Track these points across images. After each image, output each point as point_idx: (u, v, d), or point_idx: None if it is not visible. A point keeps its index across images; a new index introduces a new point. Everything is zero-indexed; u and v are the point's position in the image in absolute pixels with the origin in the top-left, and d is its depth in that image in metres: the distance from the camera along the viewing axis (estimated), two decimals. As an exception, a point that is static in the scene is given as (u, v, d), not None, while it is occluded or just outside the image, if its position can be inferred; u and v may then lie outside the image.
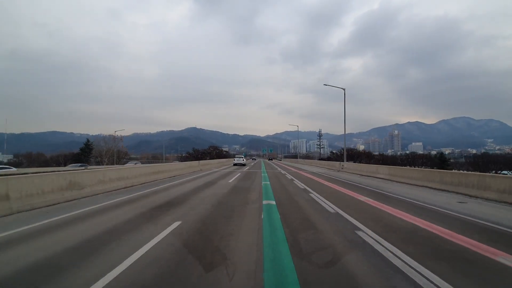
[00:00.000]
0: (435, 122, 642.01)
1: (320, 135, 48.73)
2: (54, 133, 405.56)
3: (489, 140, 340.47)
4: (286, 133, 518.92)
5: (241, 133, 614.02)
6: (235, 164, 36.48)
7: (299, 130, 65.92)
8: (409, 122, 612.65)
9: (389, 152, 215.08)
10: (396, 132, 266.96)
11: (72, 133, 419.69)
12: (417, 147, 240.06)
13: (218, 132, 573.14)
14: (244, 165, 36.37)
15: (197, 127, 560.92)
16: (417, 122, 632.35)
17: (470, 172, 20.17)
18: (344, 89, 25.71)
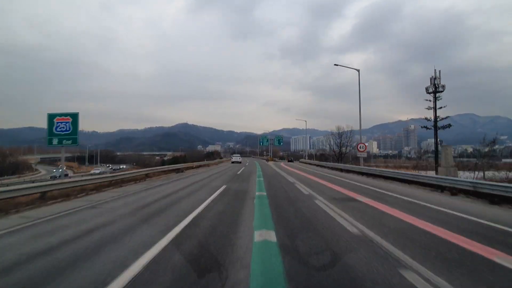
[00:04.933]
0: (439, 119, 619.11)
1: (436, 90, 22.67)
2: (31, 129, 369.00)
3: (503, 137, 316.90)
4: (284, 130, 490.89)
5: (238, 130, 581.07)
6: (232, 162, 42.20)
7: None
8: (412, 119, 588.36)
9: (406, 149, 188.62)
10: (412, 127, 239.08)
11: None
12: (432, 144, 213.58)
13: (212, 128, 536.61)
14: (240, 162, 40.75)
15: (189, 123, 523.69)
16: (420, 119, 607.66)
17: None
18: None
